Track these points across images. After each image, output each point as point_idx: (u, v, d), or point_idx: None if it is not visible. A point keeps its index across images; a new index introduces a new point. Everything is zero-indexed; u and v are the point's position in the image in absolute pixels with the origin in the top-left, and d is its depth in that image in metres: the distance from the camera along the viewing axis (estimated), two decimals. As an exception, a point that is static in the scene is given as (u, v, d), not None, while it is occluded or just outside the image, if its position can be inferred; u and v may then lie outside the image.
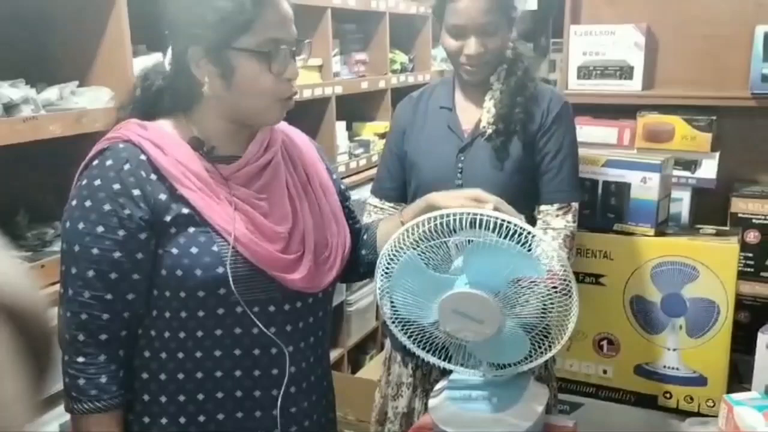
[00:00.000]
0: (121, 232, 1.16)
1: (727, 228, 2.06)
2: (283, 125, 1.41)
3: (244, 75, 1.19)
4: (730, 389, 1.82)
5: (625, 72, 2.26)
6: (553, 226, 1.71)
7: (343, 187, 1.50)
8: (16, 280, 0.46)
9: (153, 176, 1.18)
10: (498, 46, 1.69)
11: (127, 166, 1.17)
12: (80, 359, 1.19)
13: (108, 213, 1.16)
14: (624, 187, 1.95)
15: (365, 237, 1.49)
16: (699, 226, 2.05)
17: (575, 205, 1.75)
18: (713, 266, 1.86)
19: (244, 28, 1.16)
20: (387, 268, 1.23)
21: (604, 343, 2.03)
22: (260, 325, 1.23)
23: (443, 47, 1.75)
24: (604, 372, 2.04)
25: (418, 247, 1.20)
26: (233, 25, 1.16)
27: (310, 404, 1.34)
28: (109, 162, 1.18)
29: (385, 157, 1.93)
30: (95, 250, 1.17)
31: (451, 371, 1.38)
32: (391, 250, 1.22)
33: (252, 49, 1.17)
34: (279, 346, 1.26)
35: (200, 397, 1.24)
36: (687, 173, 2.17)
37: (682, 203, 2.17)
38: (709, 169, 2.15)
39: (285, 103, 1.24)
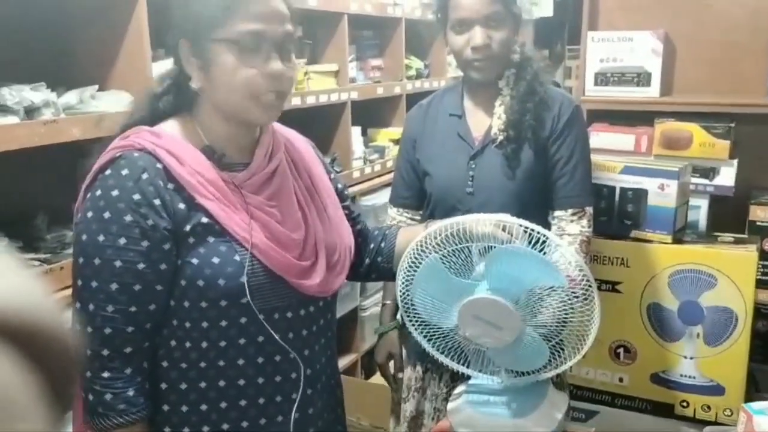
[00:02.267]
0: (145, 243, 1.14)
1: (745, 236, 2.05)
2: (282, 129, 1.39)
3: (220, 67, 1.15)
4: (748, 399, 1.81)
5: (643, 78, 2.26)
6: (569, 232, 1.70)
7: (340, 186, 1.49)
8: (27, 296, 0.40)
9: (170, 185, 1.16)
10: (503, 40, 1.67)
11: (145, 176, 1.14)
12: (105, 374, 1.15)
13: (130, 224, 1.13)
14: (641, 194, 1.95)
15: (382, 245, 1.48)
16: (717, 233, 2.04)
17: (589, 209, 1.74)
18: (731, 274, 1.85)
19: (224, 19, 1.13)
20: (409, 271, 1.23)
21: (621, 350, 2.02)
22: (274, 333, 1.22)
23: (450, 48, 1.75)
24: (620, 380, 2.03)
25: (441, 251, 1.20)
26: (213, 15, 1.13)
27: (322, 404, 1.35)
28: (125, 171, 1.15)
29: (399, 166, 1.93)
30: (118, 263, 1.13)
31: (463, 375, 1.38)
32: (414, 253, 1.22)
33: (227, 39, 1.13)
34: (299, 350, 1.27)
35: (223, 405, 1.23)
36: (705, 181, 2.15)
37: (700, 211, 2.16)
38: (727, 177, 2.14)
39: (264, 102, 1.17)
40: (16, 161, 1.67)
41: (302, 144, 1.42)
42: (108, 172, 1.16)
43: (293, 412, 1.28)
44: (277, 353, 1.24)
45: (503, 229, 1.19)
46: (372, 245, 1.50)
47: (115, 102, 1.91)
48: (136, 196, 1.14)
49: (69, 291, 1.68)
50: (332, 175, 1.46)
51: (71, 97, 1.84)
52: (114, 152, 1.18)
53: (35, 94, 1.72)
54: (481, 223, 1.19)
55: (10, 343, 0.37)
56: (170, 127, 1.23)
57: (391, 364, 2.01)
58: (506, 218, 1.18)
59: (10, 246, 1.75)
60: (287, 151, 1.34)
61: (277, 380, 1.26)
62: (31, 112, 1.70)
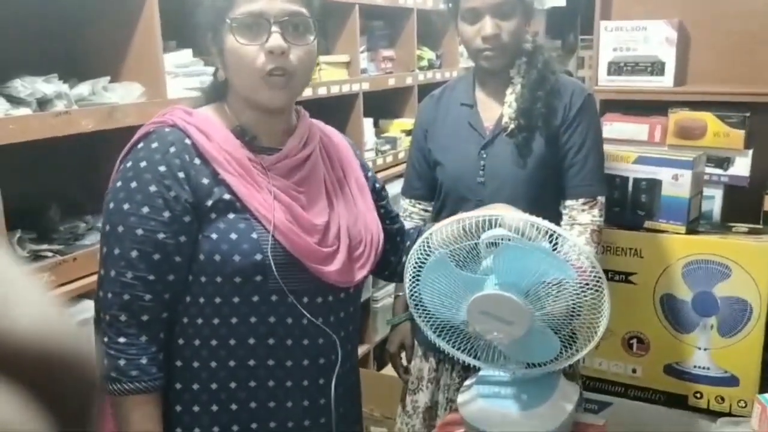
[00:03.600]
0: (166, 214, 1.17)
1: (760, 226, 2.03)
2: (322, 125, 1.43)
3: (229, 51, 1.20)
4: (763, 390, 1.80)
5: (657, 68, 2.24)
6: (580, 221, 1.69)
7: (378, 186, 1.51)
8: (47, 325, 0.32)
9: (197, 160, 1.20)
10: (513, 30, 1.67)
11: (172, 149, 1.19)
12: (121, 339, 1.18)
13: (154, 194, 1.17)
14: (655, 184, 1.93)
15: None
16: (731, 224, 2.02)
17: (601, 199, 1.73)
18: (746, 265, 1.83)
19: (230, 4, 1.19)
20: (416, 266, 1.23)
21: (634, 341, 2.01)
22: (286, 316, 1.23)
23: (461, 37, 1.75)
24: (634, 371, 2.02)
25: (449, 246, 1.20)
26: (221, 3, 1.20)
27: (338, 397, 1.34)
28: (154, 144, 1.20)
29: (411, 157, 1.94)
30: (140, 231, 1.17)
31: (476, 366, 1.38)
32: (421, 249, 1.22)
33: (232, 21, 1.18)
34: (312, 338, 1.27)
35: (233, 385, 1.25)
36: (719, 171, 2.14)
37: (714, 201, 2.14)
38: (741, 167, 2.12)
39: (272, 81, 1.20)
40: (29, 153, 1.68)
41: (339, 139, 1.46)
42: (140, 145, 1.22)
43: (304, 399, 1.28)
44: (288, 337, 1.25)
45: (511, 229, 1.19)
46: (408, 243, 1.51)
47: (127, 93, 1.92)
48: (162, 168, 1.18)
49: (81, 282, 1.71)
50: (369, 174, 1.48)
51: (83, 88, 1.84)
52: (148, 128, 1.24)
53: (47, 85, 1.72)
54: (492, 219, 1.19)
55: (22, 381, 0.31)
56: (205, 110, 1.29)
57: (403, 354, 2.02)
58: (512, 215, 1.18)
59: (24, 237, 1.76)
60: (322, 143, 1.37)
61: (288, 365, 1.26)
62: (43, 103, 1.71)
